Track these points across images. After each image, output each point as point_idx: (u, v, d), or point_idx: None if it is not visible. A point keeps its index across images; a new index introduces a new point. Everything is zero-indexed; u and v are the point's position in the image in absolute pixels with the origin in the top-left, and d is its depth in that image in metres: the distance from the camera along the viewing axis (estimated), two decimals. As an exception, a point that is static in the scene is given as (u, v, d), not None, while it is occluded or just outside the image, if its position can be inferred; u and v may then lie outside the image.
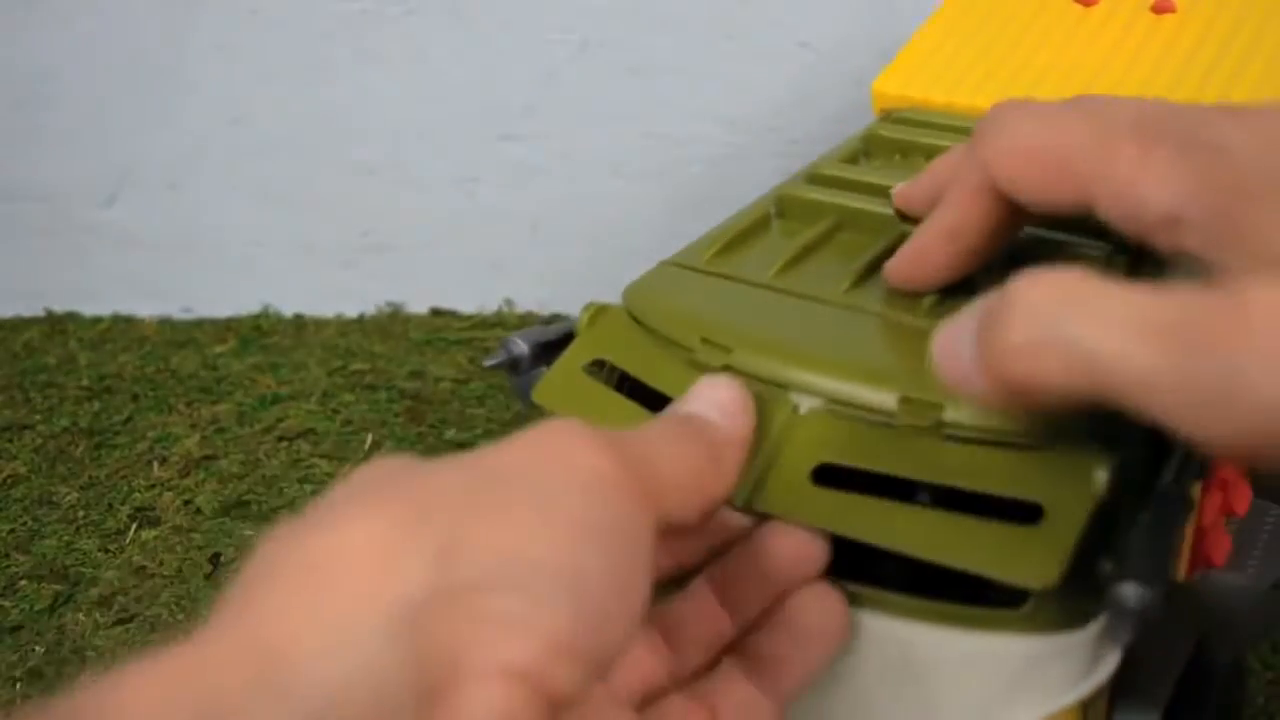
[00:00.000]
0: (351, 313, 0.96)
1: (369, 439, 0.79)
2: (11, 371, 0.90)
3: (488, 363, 0.42)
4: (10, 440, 0.82)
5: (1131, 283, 0.28)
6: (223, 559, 0.69)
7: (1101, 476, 0.32)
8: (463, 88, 0.88)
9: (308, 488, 0.75)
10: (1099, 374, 0.26)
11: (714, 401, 0.34)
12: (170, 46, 0.89)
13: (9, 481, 0.77)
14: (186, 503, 0.74)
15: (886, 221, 0.47)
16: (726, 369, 0.37)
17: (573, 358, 0.41)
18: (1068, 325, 0.27)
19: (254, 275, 0.96)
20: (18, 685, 0.61)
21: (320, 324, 0.95)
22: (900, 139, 0.55)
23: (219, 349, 0.92)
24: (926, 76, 0.61)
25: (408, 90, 0.89)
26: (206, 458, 0.78)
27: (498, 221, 0.92)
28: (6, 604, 0.67)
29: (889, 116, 0.58)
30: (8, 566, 0.70)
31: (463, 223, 0.92)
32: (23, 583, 0.69)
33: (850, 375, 0.36)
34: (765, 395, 0.36)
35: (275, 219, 0.94)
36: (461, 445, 0.78)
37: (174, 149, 0.92)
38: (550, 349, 0.43)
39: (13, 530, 0.73)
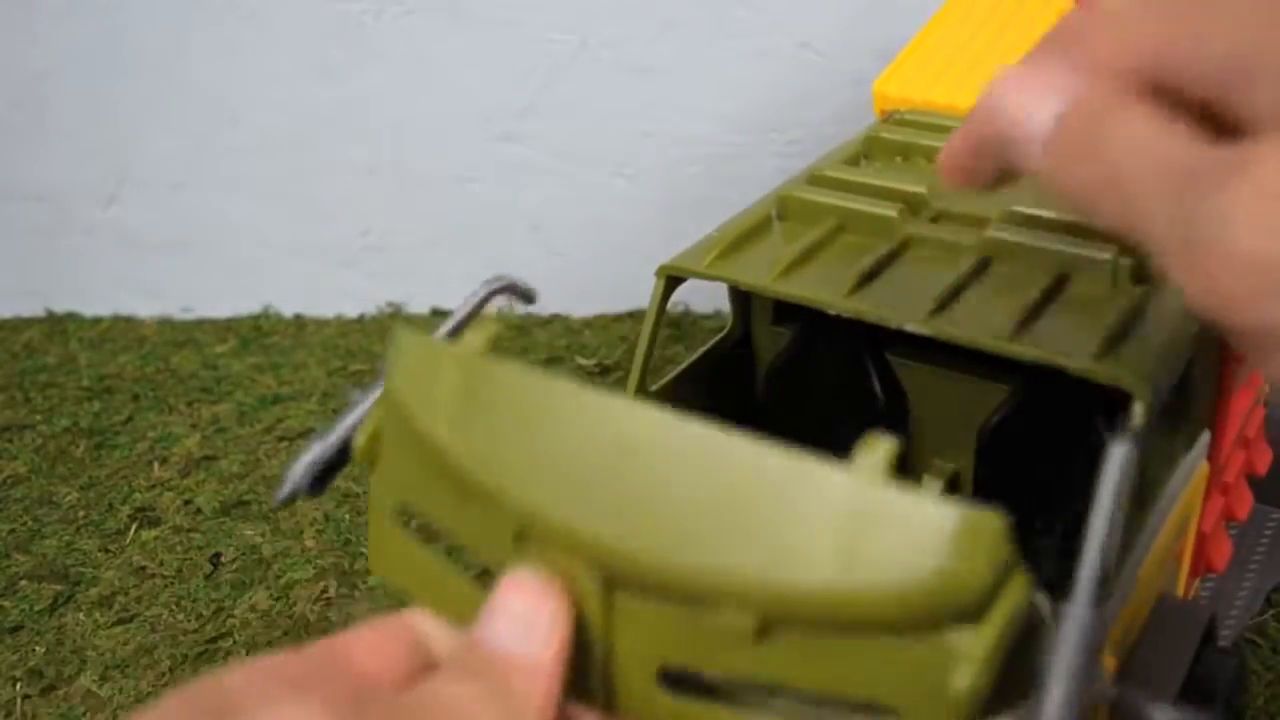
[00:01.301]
0: (351, 313, 0.96)
1: (369, 439, 0.79)
2: (11, 371, 0.90)
3: (277, 502, 0.37)
4: (10, 440, 0.82)
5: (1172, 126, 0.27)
6: (222, 559, 0.69)
7: (962, 683, 0.26)
8: (463, 88, 0.88)
9: (308, 488, 0.75)
10: (1124, 201, 0.27)
11: (516, 621, 0.29)
12: (170, 46, 0.89)
13: (9, 481, 0.77)
14: (186, 503, 0.74)
15: (887, 223, 0.48)
16: (519, 537, 0.30)
17: (377, 508, 0.35)
18: (1111, 149, 0.28)
19: (254, 275, 0.96)
20: (18, 685, 0.61)
21: (320, 324, 0.95)
22: (901, 140, 0.55)
23: (219, 349, 0.92)
24: (928, 77, 0.62)
25: (408, 90, 0.89)
26: (206, 458, 0.78)
27: (497, 221, 0.92)
28: (6, 604, 0.67)
29: (890, 118, 0.58)
30: (8, 566, 0.70)
31: (463, 223, 0.92)
32: (23, 583, 0.69)
33: (650, 556, 0.28)
34: (577, 576, 0.29)
35: (275, 219, 0.94)
36: (461, 445, 0.78)
37: (174, 149, 0.92)
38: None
39: (13, 530, 0.73)
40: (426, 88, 0.88)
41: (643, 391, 0.48)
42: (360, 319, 0.95)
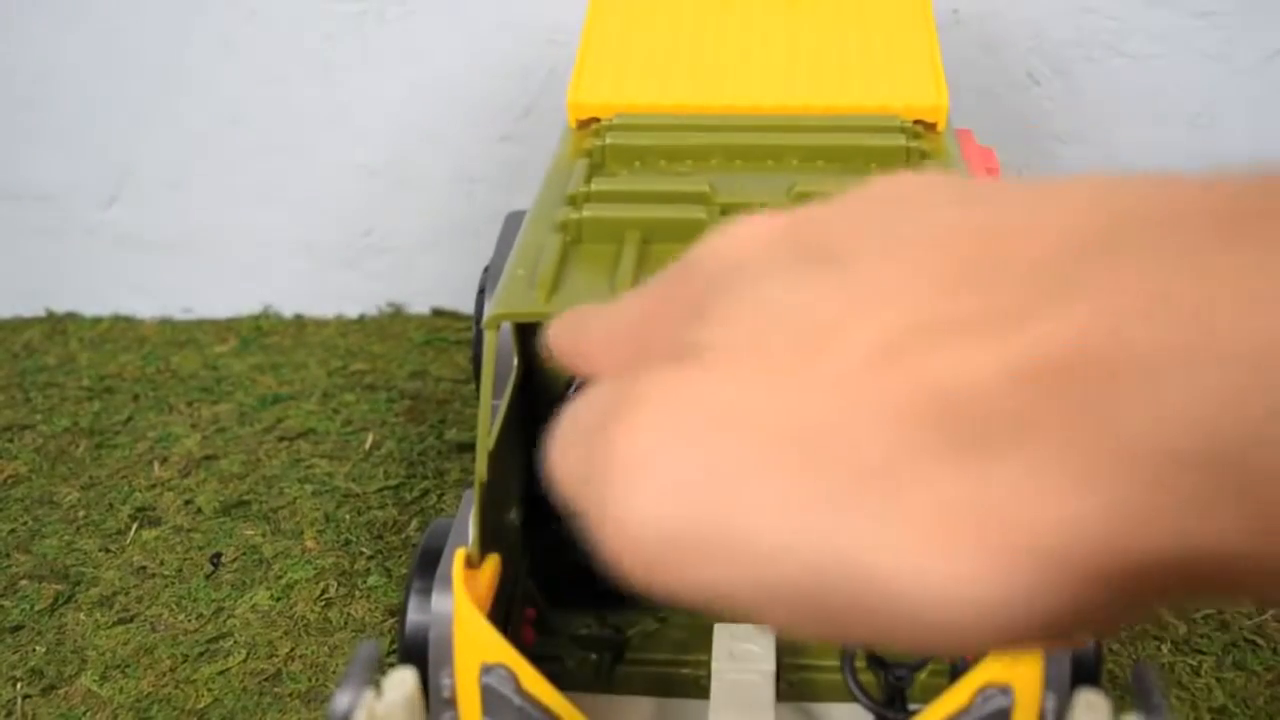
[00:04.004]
0: (351, 313, 0.96)
1: (369, 439, 0.79)
2: (11, 371, 0.90)
3: None
4: (10, 440, 0.82)
5: None
6: (222, 559, 0.69)
7: None
8: (463, 88, 0.88)
9: (308, 488, 0.75)
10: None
11: None
12: (170, 46, 0.89)
13: (9, 481, 0.77)
14: (187, 503, 0.74)
15: (698, 226, 0.49)
16: None
17: None
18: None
19: (254, 275, 0.96)
20: (18, 685, 0.61)
21: (320, 324, 0.95)
22: (635, 145, 0.57)
23: (219, 349, 0.92)
24: (614, 82, 0.63)
25: (408, 90, 0.89)
26: (207, 458, 0.78)
27: (498, 222, 0.92)
28: (6, 604, 0.67)
29: (607, 125, 0.59)
30: (8, 566, 0.70)
31: (463, 223, 0.92)
32: (23, 583, 0.69)
33: None
34: None
35: (275, 219, 0.94)
36: (462, 445, 0.78)
37: (174, 149, 0.92)
38: None
39: (13, 530, 0.73)
40: (426, 88, 0.88)
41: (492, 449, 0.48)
42: (360, 319, 0.95)
